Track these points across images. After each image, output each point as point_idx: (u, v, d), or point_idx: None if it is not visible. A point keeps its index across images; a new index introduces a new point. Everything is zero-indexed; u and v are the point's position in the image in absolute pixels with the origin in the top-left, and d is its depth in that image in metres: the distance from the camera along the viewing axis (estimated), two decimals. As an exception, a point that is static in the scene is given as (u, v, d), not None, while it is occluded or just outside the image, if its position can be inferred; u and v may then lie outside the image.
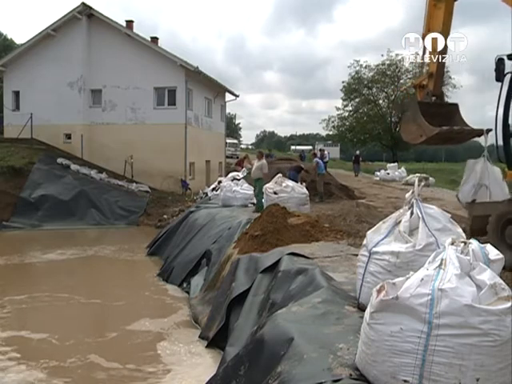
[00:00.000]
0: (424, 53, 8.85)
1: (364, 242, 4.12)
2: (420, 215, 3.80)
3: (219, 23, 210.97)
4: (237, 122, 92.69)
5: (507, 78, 6.63)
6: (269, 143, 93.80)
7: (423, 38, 8.91)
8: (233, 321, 6.23)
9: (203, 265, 9.88)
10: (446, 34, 8.42)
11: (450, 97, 40.62)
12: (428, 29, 8.66)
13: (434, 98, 8.81)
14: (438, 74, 8.75)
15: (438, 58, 8.55)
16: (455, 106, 8.96)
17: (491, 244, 5.74)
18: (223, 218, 11.38)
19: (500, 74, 6.73)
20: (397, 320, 2.54)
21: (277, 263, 6.22)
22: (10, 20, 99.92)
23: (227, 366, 4.12)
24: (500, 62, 6.77)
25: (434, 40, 8.54)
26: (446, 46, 8.49)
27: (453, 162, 49.68)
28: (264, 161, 12.39)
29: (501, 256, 2.81)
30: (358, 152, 34.84)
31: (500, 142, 6.89)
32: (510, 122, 6.86)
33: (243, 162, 21.96)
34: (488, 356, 2.35)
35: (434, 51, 8.59)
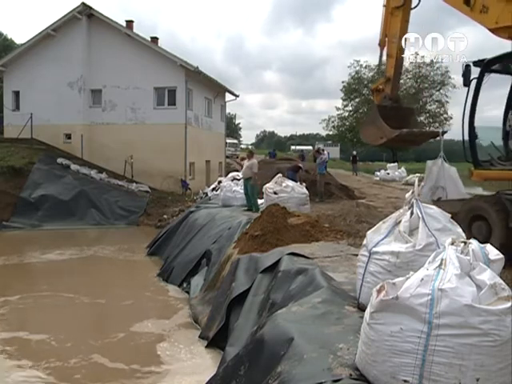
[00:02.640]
0: (380, 58, 9.11)
1: (364, 242, 4.11)
2: (420, 215, 3.79)
3: (218, 23, 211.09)
4: (237, 122, 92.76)
5: (473, 84, 6.96)
6: (269, 143, 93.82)
7: (380, 45, 9.17)
8: (233, 321, 6.23)
9: (203, 265, 9.89)
10: (401, 40, 8.76)
11: (450, 97, 40.71)
12: (385, 35, 8.90)
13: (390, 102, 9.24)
14: (394, 78, 9.06)
15: (396, 64, 8.96)
16: (411, 109, 9.40)
17: None
18: (223, 218, 11.38)
19: (467, 80, 7.04)
20: (397, 320, 2.54)
21: (277, 263, 6.22)
22: (10, 20, 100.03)
23: (227, 365, 4.12)
24: (467, 69, 7.09)
25: (391, 46, 8.80)
26: (402, 52, 8.90)
27: (452, 162, 49.59)
28: (254, 160, 12.36)
29: (501, 256, 2.81)
30: (354, 152, 35.30)
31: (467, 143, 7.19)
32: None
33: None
34: (488, 356, 2.35)
35: (390, 57, 8.86)
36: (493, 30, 6.79)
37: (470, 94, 7.09)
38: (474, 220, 6.48)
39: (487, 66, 6.81)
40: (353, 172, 32.56)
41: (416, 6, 8.66)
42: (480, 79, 6.91)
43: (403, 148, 34.32)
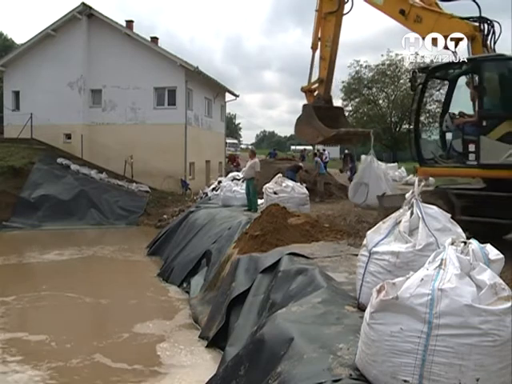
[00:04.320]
0: (312, 61, 9.42)
1: (364, 242, 4.11)
2: (420, 215, 3.79)
3: (217, 23, 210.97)
4: (237, 122, 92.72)
5: (419, 88, 7.56)
6: (269, 143, 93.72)
7: (312, 48, 9.46)
8: (233, 321, 6.23)
9: (203, 265, 9.88)
10: (335, 44, 9.27)
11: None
12: (318, 39, 9.18)
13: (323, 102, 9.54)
14: (327, 80, 9.45)
15: (329, 66, 9.34)
16: (341, 109, 9.88)
17: None
18: (223, 218, 11.37)
19: (414, 85, 7.59)
20: (397, 320, 2.54)
21: (277, 263, 6.22)
22: (10, 20, 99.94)
23: (227, 366, 4.12)
24: (414, 75, 7.67)
25: (325, 49, 9.10)
26: (335, 55, 9.34)
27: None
28: (256, 160, 12.31)
29: (501, 256, 2.81)
30: (346, 151, 35.62)
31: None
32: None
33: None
34: (488, 356, 2.35)
35: (324, 59, 9.15)
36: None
37: (416, 98, 7.74)
38: None
39: (431, 72, 7.39)
40: (344, 171, 33.45)
41: (348, 12, 9.11)
42: (425, 84, 7.50)
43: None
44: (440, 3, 7.77)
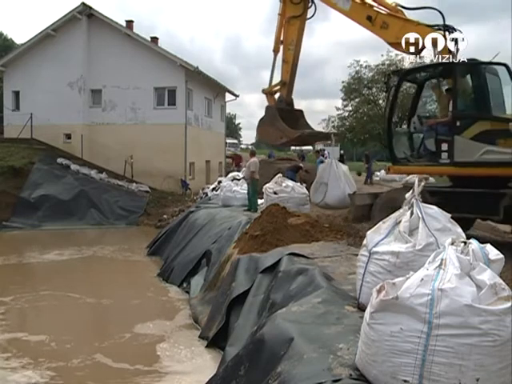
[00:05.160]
0: (274, 64, 9.64)
1: (364, 242, 4.11)
2: (420, 215, 3.79)
3: (216, 23, 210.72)
4: (237, 122, 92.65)
5: (392, 90, 7.91)
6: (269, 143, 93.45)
7: (274, 51, 9.63)
8: (233, 321, 6.23)
9: (203, 265, 9.88)
10: (298, 47, 9.48)
11: (450, 96, 40.55)
12: (280, 42, 9.35)
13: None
14: (290, 82, 9.70)
15: (292, 69, 9.58)
16: (301, 111, 10.04)
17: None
18: (223, 218, 11.37)
19: (387, 87, 8.09)
20: (397, 320, 2.54)
21: (277, 263, 6.22)
22: (10, 20, 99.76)
23: (227, 366, 4.12)
24: (388, 78, 8.20)
25: (288, 53, 9.28)
26: (297, 58, 9.58)
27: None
28: (253, 159, 12.23)
29: (501, 256, 2.81)
30: (341, 152, 35.99)
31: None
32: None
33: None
34: (488, 356, 2.35)
35: (287, 62, 9.32)
36: (393, 44, 8.00)
37: (389, 100, 8.09)
38: (392, 210, 7.12)
39: (404, 75, 7.79)
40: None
41: (312, 17, 9.35)
42: (398, 87, 7.82)
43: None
44: (405, 11, 8.13)
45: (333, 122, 46.14)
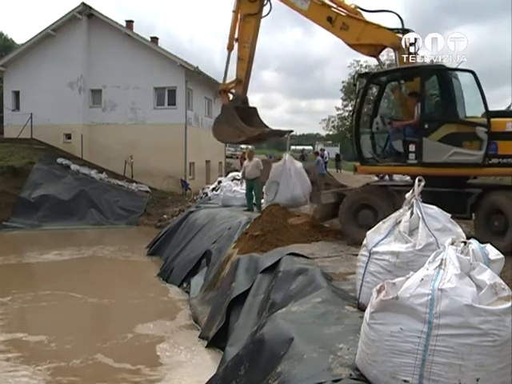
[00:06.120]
0: (228, 62, 9.64)
1: (364, 242, 4.11)
2: (420, 215, 3.79)
3: (216, 23, 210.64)
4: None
5: (360, 92, 8.01)
6: (269, 143, 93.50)
7: (228, 49, 9.64)
8: (233, 321, 6.23)
9: (203, 265, 9.88)
10: (253, 45, 9.46)
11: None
12: (235, 40, 9.36)
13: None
14: (245, 80, 9.66)
15: (247, 66, 9.51)
16: (254, 109, 10.16)
17: (343, 225, 7.29)
18: (223, 218, 11.37)
19: (357, 89, 8.31)
20: (397, 320, 2.54)
21: (277, 263, 6.22)
22: (10, 20, 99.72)
23: (227, 366, 4.12)
24: (356, 80, 8.48)
25: (243, 51, 9.27)
26: (253, 56, 9.58)
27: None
28: (257, 159, 12.30)
29: (501, 256, 2.81)
30: (337, 152, 36.73)
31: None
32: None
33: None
34: (488, 356, 2.35)
35: (242, 60, 9.32)
36: (353, 46, 8.10)
37: (358, 100, 8.16)
38: (360, 209, 7.41)
39: (372, 78, 7.94)
40: (336, 170, 35.07)
41: (267, 15, 9.28)
42: (366, 89, 7.92)
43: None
44: (363, 13, 8.17)
45: (333, 121, 46.19)
